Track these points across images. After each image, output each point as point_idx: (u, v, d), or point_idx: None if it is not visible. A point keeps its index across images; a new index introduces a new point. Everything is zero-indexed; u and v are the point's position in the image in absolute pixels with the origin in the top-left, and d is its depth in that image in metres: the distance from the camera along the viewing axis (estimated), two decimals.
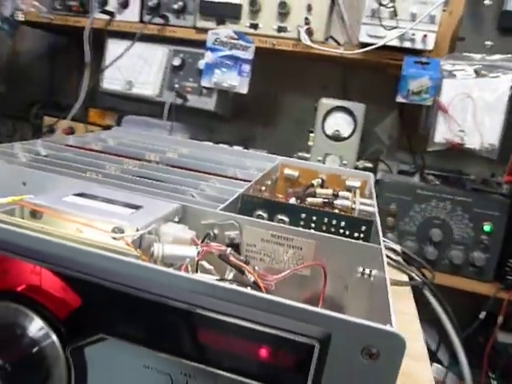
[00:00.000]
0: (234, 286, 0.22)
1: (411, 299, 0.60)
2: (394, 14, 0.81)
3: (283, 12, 0.97)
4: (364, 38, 0.90)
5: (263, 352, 0.22)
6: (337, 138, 1.07)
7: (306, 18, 0.96)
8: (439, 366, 1.01)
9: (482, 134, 0.88)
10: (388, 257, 0.68)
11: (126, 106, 1.38)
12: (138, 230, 0.29)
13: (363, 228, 0.41)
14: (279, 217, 0.43)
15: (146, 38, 1.10)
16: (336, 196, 0.54)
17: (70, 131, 1.26)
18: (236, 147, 0.72)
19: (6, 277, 0.27)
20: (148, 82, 1.11)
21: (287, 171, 0.64)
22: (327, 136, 1.07)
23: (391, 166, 1.29)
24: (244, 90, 1.05)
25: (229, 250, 0.31)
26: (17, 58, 1.33)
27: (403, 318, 0.52)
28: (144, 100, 1.21)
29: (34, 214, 0.31)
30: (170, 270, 0.23)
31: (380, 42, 0.86)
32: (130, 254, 0.26)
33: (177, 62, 1.07)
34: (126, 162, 0.53)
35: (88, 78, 1.08)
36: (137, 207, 0.33)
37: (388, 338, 0.21)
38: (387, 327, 0.21)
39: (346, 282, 0.34)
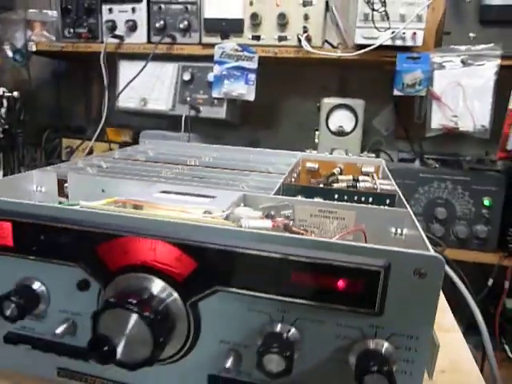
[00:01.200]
0: (320, 238, 0.31)
1: None
2: (386, 17, 0.91)
3: (282, 23, 1.06)
4: (359, 40, 0.99)
5: (341, 283, 0.31)
6: (341, 133, 1.16)
7: (305, 27, 1.05)
8: None
9: (474, 117, 0.97)
10: None
11: (138, 122, 1.46)
12: (223, 212, 0.37)
13: (388, 201, 0.50)
14: (316, 200, 0.52)
15: (156, 57, 1.18)
16: (356, 180, 0.63)
17: (90, 150, 1.34)
18: (257, 149, 0.80)
19: (129, 255, 0.35)
20: (161, 98, 1.19)
21: (309, 164, 0.72)
22: (332, 132, 1.16)
23: (392, 155, 1.38)
24: (251, 97, 1.14)
25: (291, 222, 0.39)
26: (29, 87, 1.41)
27: None
28: (156, 115, 1.29)
29: (136, 208, 0.39)
30: (268, 232, 0.31)
31: (376, 43, 0.96)
32: (229, 226, 0.34)
33: (187, 76, 1.16)
34: (173, 167, 0.61)
35: (107, 98, 1.16)
36: (211, 197, 0.42)
37: (432, 261, 0.29)
38: (431, 253, 0.29)
39: (382, 241, 0.43)
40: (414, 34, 0.96)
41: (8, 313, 0.36)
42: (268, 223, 0.37)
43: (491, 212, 1.08)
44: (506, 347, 1.25)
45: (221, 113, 1.15)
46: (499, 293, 1.18)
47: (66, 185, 0.52)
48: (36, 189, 0.52)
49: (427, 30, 1.02)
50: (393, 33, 0.94)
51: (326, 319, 0.32)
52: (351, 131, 1.15)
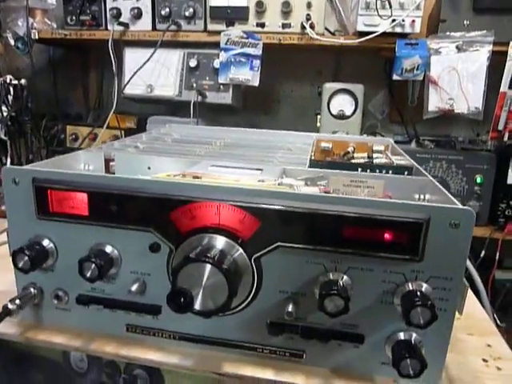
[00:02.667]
0: (366, 195, 0.36)
1: None
2: (389, 5, 0.96)
3: (286, 10, 1.11)
4: (361, 28, 1.04)
5: (388, 235, 0.36)
6: (341, 116, 1.21)
7: (308, 14, 1.09)
8: None
9: (468, 100, 1.04)
10: None
11: (139, 109, 1.48)
12: (275, 181, 0.42)
13: (405, 173, 0.56)
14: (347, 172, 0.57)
15: (161, 44, 1.21)
16: (371, 158, 0.68)
17: (94, 137, 1.37)
18: (271, 131, 0.85)
19: (198, 219, 0.40)
20: (167, 84, 1.22)
21: (323, 144, 0.78)
22: (333, 116, 1.22)
23: (387, 137, 1.44)
24: (256, 82, 1.19)
25: (332, 188, 0.45)
26: (31, 75, 1.41)
27: None
28: (160, 101, 1.32)
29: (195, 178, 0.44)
30: (321, 193, 0.37)
31: (377, 30, 1.01)
32: (285, 189, 0.39)
33: (193, 63, 1.19)
34: (203, 146, 0.65)
35: (116, 85, 1.19)
36: (260, 169, 0.47)
37: (465, 213, 0.35)
38: (464, 207, 0.35)
39: None
40: (413, 21, 1.02)
41: (88, 274, 0.40)
42: (315, 189, 0.42)
43: (483, 189, 1.15)
44: (495, 316, 1.34)
45: (227, 98, 1.19)
46: (490, 265, 1.26)
47: (112, 163, 0.56)
48: (84, 167, 0.56)
49: (423, 17, 1.07)
50: (394, 21, 1.00)
51: (373, 267, 0.37)
52: (351, 115, 1.21)
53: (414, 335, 0.38)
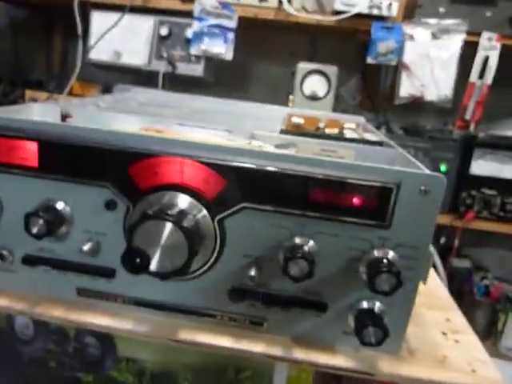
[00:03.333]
0: (339, 159, 0.35)
1: None
2: None
3: None
4: (339, 7, 1.03)
5: (356, 199, 0.35)
6: (314, 97, 1.20)
7: None
8: None
9: (439, 88, 1.05)
10: None
11: (105, 77, 1.42)
12: (243, 141, 0.40)
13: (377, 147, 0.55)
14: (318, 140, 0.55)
15: (131, 9, 1.15)
16: (342, 133, 0.67)
17: None
18: (241, 102, 0.82)
19: (159, 175, 0.37)
20: (136, 52, 1.17)
21: (294, 119, 0.76)
22: (305, 97, 1.21)
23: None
24: (229, 56, 1.15)
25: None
26: None
27: None
28: (128, 70, 1.27)
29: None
30: (291, 153, 0.35)
31: (353, 10, 0.99)
32: (256, 148, 0.37)
33: (164, 31, 1.14)
34: (170, 110, 0.62)
35: (81, 49, 1.12)
36: (227, 131, 0.45)
37: (435, 179, 0.34)
38: (435, 173, 0.34)
39: None
40: (390, 4, 1.01)
41: (35, 230, 0.37)
42: (285, 151, 0.40)
43: (446, 177, 1.17)
44: None
45: (198, 70, 1.15)
46: (449, 252, 1.30)
47: (69, 119, 0.52)
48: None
49: (401, 1, 1.07)
50: (371, 1, 0.99)
51: (340, 233, 0.36)
52: (324, 96, 1.20)
53: (378, 304, 0.38)
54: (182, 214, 0.35)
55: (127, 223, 0.38)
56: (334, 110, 1.38)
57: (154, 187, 0.37)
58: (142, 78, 1.31)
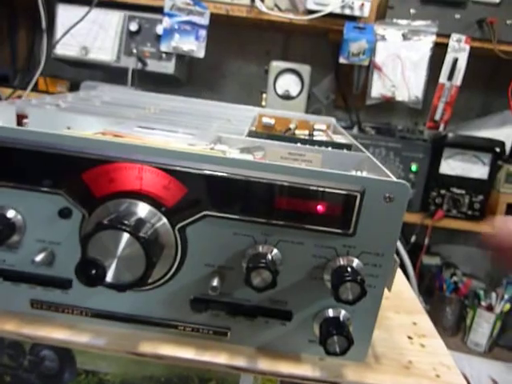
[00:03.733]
0: (302, 166, 0.34)
1: None
2: None
3: None
4: (311, 6, 1.02)
5: (321, 207, 0.34)
6: (287, 97, 1.20)
7: None
8: None
9: (409, 88, 1.06)
10: None
11: (73, 73, 1.37)
12: (206, 145, 0.39)
13: (345, 150, 0.55)
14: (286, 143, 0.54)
15: (99, 3, 1.11)
16: (312, 135, 0.67)
17: None
18: (211, 102, 0.81)
19: (117, 182, 0.35)
20: (104, 48, 1.13)
21: (265, 119, 0.75)
22: (278, 96, 1.20)
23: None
24: (201, 54, 1.13)
25: (268, 160, 0.42)
26: None
27: None
28: (96, 66, 1.23)
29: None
30: (255, 160, 0.34)
31: (326, 10, 0.99)
32: (217, 154, 0.36)
33: (133, 27, 1.11)
34: (135, 110, 0.60)
35: (46, 43, 1.08)
36: (191, 134, 0.43)
37: (399, 187, 0.34)
38: (400, 180, 0.34)
39: None
40: (362, 4, 1.01)
41: None
42: (250, 157, 0.39)
43: (417, 177, 1.19)
44: (421, 298, 1.41)
45: (169, 68, 1.12)
46: (418, 252, 1.32)
47: (25, 120, 0.49)
48: None
49: (372, 2, 1.07)
50: (343, 1, 0.98)
51: (305, 241, 0.35)
52: (297, 95, 1.19)
53: (343, 312, 0.37)
54: (140, 222, 0.34)
55: (82, 232, 0.36)
56: (308, 109, 1.37)
57: (111, 194, 0.35)
58: (112, 74, 1.27)
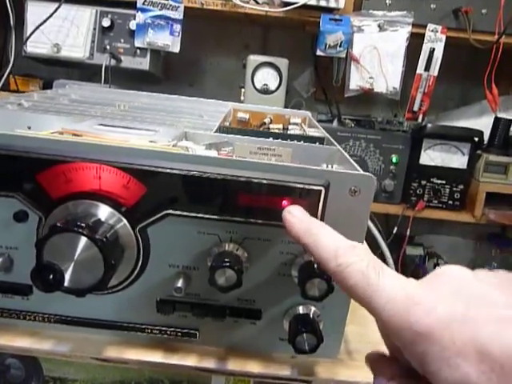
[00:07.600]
0: (264, 160, 0.33)
1: None
2: None
3: None
4: None
5: (285, 202, 0.33)
6: (265, 91, 1.18)
7: None
8: None
9: (387, 80, 1.06)
10: None
11: (47, 71, 1.34)
12: (169, 142, 0.38)
13: (317, 144, 0.54)
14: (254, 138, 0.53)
15: None
16: (286, 129, 0.66)
17: None
18: (187, 98, 0.79)
19: (73, 183, 0.34)
20: (77, 45, 1.10)
21: (240, 114, 0.74)
22: (257, 90, 1.18)
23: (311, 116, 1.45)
24: (176, 49, 1.11)
25: (236, 155, 0.41)
26: None
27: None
28: (69, 64, 1.20)
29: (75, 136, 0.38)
30: (217, 156, 0.33)
31: (300, 1, 0.98)
32: (178, 151, 0.35)
33: (106, 23, 1.08)
34: (103, 108, 0.58)
35: (14, 41, 1.05)
36: (154, 131, 0.42)
37: (365, 179, 0.33)
38: (365, 173, 0.33)
39: None
40: None
41: None
42: (214, 153, 0.38)
43: (397, 168, 1.19)
44: None
45: (144, 64, 1.10)
46: (400, 243, 1.33)
47: None
48: None
49: None
50: None
51: (271, 237, 0.35)
52: (275, 90, 1.18)
53: (313, 309, 0.36)
54: (97, 224, 0.32)
55: (39, 235, 0.35)
56: (288, 103, 1.36)
57: (68, 196, 0.34)
58: (87, 72, 1.25)
